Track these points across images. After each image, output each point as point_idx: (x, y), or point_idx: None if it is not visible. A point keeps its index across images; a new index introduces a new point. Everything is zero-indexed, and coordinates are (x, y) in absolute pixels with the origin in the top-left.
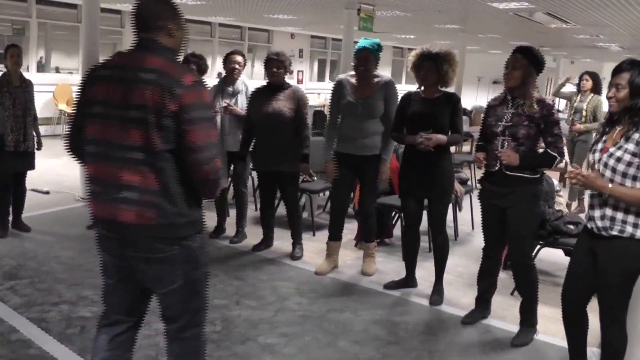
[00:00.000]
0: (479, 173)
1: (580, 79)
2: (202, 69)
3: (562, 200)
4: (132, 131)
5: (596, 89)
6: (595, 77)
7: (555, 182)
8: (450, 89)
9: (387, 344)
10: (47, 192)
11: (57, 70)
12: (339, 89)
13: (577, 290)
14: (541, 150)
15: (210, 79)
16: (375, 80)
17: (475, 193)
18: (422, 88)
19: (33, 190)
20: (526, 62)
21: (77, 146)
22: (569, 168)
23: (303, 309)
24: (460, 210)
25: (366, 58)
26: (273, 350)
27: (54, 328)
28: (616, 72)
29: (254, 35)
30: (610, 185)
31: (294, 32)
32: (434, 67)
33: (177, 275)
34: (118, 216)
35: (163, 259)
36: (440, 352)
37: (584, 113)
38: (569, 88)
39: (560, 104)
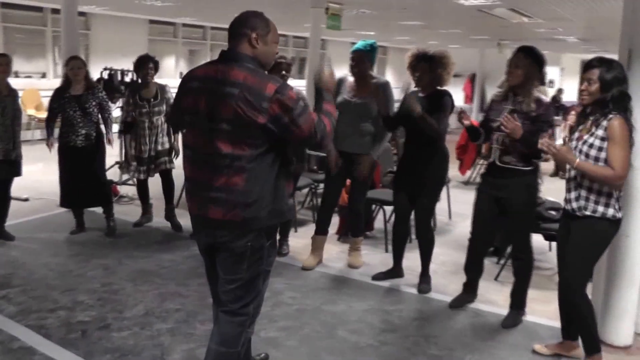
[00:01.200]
0: (453, 162)
1: None
2: (157, 69)
3: (541, 188)
4: (220, 140)
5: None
6: None
7: None
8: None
9: (383, 331)
10: (27, 199)
11: (16, 74)
12: (337, 86)
13: None
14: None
15: (174, 80)
16: (373, 81)
17: (452, 184)
18: (419, 87)
19: (12, 198)
20: (529, 62)
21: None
22: (541, 140)
23: (298, 303)
24: (438, 200)
25: (359, 59)
26: (276, 343)
27: (54, 334)
28: (587, 68)
29: (215, 34)
30: (577, 159)
31: None
32: (427, 68)
33: (242, 269)
34: (208, 213)
35: (237, 252)
36: (435, 336)
37: None
38: None
39: None
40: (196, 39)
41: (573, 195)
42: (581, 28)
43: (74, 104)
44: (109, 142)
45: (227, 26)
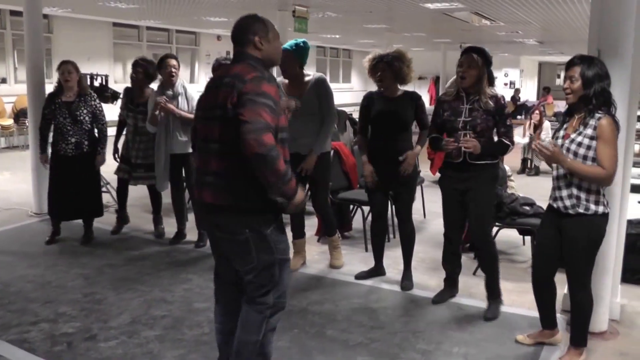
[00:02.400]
0: (424, 162)
1: None
2: (150, 73)
3: (513, 185)
4: (213, 126)
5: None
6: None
7: (507, 167)
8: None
9: (371, 329)
10: None
11: None
12: None
13: (547, 263)
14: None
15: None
16: (306, 79)
17: (425, 183)
18: (382, 89)
19: None
20: (481, 62)
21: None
22: (533, 144)
23: None
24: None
25: (284, 59)
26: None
27: (39, 348)
28: (569, 66)
29: (180, 37)
30: (569, 159)
31: (221, 34)
32: (387, 67)
33: (251, 258)
34: (203, 197)
35: (238, 240)
36: (422, 331)
37: None
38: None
39: None
40: (161, 43)
41: (565, 193)
42: (539, 31)
43: (65, 111)
44: (100, 160)
45: (191, 29)
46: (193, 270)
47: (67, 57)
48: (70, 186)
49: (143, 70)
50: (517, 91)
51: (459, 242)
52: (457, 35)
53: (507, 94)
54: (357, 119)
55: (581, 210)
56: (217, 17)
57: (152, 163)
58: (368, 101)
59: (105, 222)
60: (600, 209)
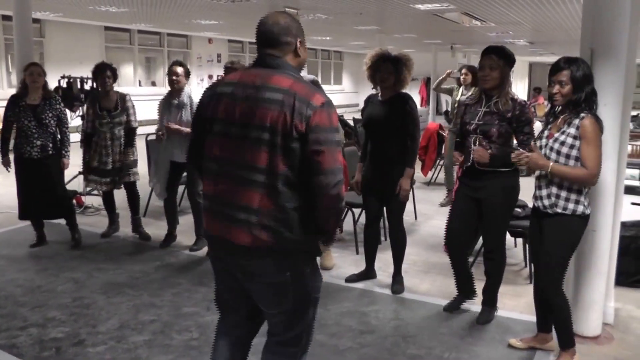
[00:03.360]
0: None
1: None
2: (116, 75)
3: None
4: (256, 152)
5: (476, 82)
6: (474, 71)
7: None
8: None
9: (361, 333)
10: None
11: None
12: None
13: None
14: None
15: (134, 88)
16: None
17: (417, 185)
18: (379, 90)
19: None
20: (502, 63)
21: (196, 158)
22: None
23: None
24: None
25: None
26: (256, 350)
27: (27, 353)
28: (555, 70)
29: (172, 40)
30: (551, 164)
31: (212, 37)
32: (392, 69)
33: (287, 300)
34: (233, 237)
35: (275, 283)
36: (413, 336)
37: None
38: (449, 83)
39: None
40: (152, 46)
41: (544, 192)
42: (530, 31)
43: (29, 114)
44: (64, 164)
45: (183, 32)
46: (183, 275)
47: (60, 61)
48: (37, 188)
49: (112, 74)
50: None
51: (465, 250)
52: (447, 36)
53: None
54: (348, 121)
55: (559, 210)
56: (207, 20)
57: (130, 161)
58: (364, 105)
59: (95, 225)
60: (580, 209)
